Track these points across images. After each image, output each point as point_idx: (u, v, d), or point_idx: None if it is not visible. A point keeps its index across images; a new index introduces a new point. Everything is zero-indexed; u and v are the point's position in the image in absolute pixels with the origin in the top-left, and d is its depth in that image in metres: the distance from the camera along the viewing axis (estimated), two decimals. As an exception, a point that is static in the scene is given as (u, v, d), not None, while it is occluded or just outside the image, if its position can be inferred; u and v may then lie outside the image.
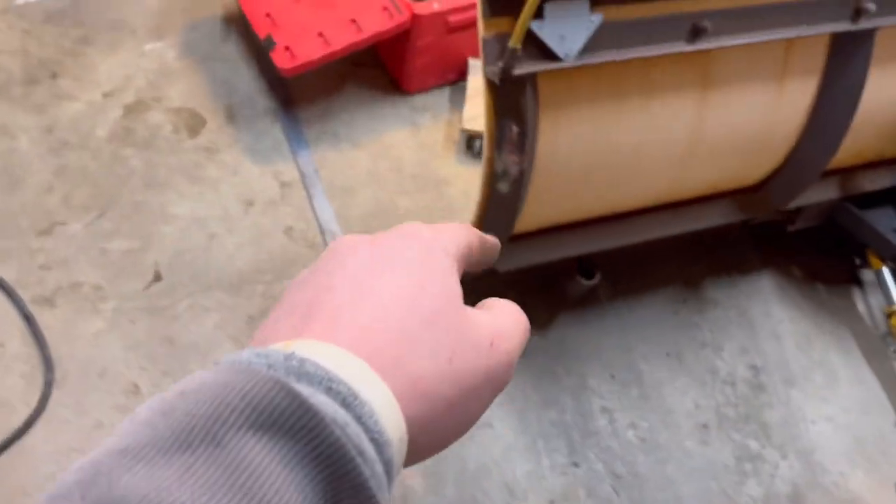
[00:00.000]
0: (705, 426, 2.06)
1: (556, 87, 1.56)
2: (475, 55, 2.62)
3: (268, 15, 2.39)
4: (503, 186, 1.61)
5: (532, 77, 1.50)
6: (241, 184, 2.32)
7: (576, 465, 1.94)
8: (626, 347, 2.16)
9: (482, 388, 0.40)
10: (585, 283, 2.04)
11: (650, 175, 1.83)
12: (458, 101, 2.65)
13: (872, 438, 2.11)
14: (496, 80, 1.45)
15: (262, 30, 2.35)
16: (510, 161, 1.57)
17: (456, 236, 0.44)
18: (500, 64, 1.43)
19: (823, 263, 2.45)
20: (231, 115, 2.48)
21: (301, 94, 2.55)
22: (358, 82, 2.62)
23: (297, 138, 2.46)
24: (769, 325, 2.29)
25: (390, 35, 2.35)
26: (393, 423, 0.35)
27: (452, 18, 2.42)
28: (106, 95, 2.45)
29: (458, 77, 2.69)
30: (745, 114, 1.79)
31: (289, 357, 0.34)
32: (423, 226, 0.44)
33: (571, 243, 1.90)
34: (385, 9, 2.37)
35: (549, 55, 1.50)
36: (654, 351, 2.17)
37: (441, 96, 2.67)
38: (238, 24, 2.72)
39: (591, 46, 1.51)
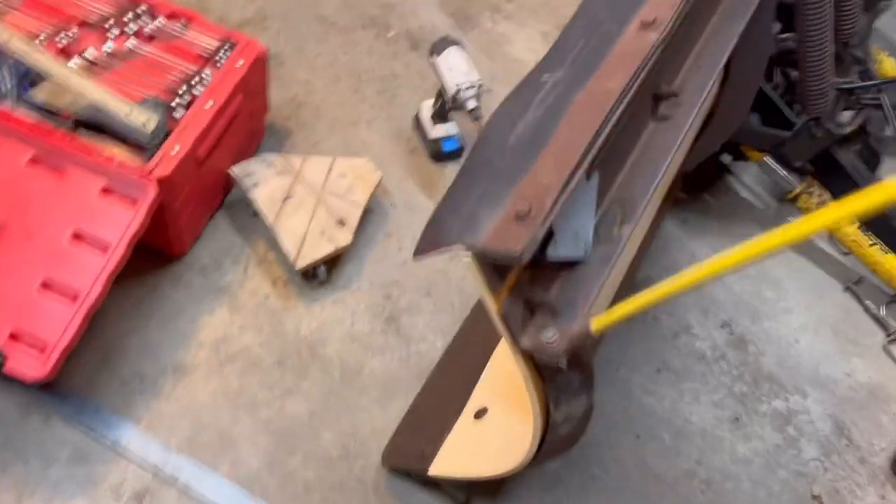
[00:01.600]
0: (737, 419, 1.91)
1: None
2: (234, 162, 1.93)
3: (-62, 302, 1.46)
4: (565, 429, 1.16)
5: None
6: (81, 542, 1.52)
7: (682, 560, 1.71)
8: (626, 395, 1.89)
9: None
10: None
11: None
12: (241, 225, 1.95)
13: (841, 318, 2.13)
14: (562, 365, 0.95)
15: (-46, 336, 1.43)
16: (576, 405, 1.11)
17: None
18: (562, 346, 0.93)
19: (693, 172, 2.30)
20: (-20, 455, 1.58)
21: (52, 356, 1.69)
22: (116, 285, 1.79)
23: (98, 420, 1.65)
24: (699, 268, 2.13)
25: (147, 226, 1.57)
26: None
27: (201, 151, 1.68)
28: None
29: (224, 195, 1.96)
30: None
31: None
32: None
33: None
34: (107, 191, 1.56)
35: (567, 265, 1.02)
36: (645, 374, 1.93)
37: (220, 232, 1.94)
38: None
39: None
